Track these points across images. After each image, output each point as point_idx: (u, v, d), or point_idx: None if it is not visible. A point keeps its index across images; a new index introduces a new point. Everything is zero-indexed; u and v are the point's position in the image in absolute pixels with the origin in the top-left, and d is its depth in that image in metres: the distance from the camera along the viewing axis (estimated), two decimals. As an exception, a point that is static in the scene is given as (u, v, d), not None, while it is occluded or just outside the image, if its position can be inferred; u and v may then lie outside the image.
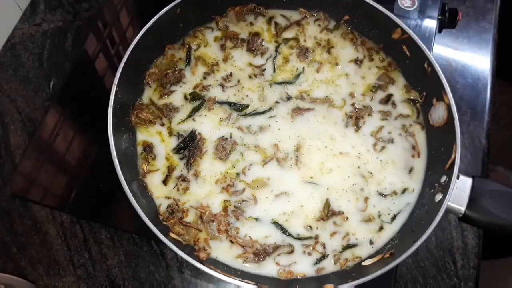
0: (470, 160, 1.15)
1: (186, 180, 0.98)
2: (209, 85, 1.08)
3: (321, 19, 1.15)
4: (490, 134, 1.19)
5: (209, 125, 1.04)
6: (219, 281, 1.02)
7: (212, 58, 1.11)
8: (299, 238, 0.94)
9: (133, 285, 1.03)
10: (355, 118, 1.05)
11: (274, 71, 1.11)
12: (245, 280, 0.85)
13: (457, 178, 0.87)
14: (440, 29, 1.24)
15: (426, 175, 0.99)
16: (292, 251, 0.93)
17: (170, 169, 0.99)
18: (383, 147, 1.02)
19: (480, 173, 1.14)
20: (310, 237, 0.94)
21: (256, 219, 0.96)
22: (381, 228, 0.95)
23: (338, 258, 0.93)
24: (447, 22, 1.23)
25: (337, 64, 1.11)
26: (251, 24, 1.15)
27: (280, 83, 1.09)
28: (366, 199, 0.98)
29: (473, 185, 0.87)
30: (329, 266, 0.92)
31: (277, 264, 0.92)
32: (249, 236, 0.94)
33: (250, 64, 1.11)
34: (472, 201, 0.86)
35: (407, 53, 1.04)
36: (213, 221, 0.94)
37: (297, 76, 1.10)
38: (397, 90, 1.08)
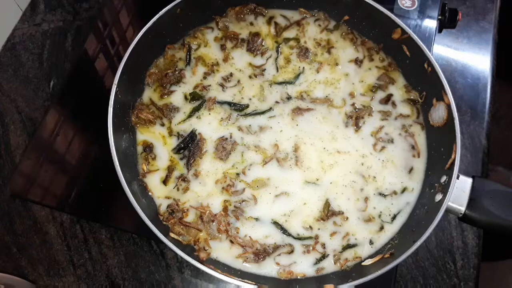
0: (470, 160, 1.15)
1: (186, 180, 0.98)
2: (209, 85, 1.08)
3: (321, 19, 1.15)
4: (490, 134, 1.19)
5: (209, 125, 1.04)
6: (219, 281, 1.02)
7: (212, 58, 1.11)
8: (299, 238, 0.94)
9: (133, 285, 1.03)
10: (355, 118, 1.05)
11: (277, 70, 1.11)
12: (245, 280, 0.85)
13: (457, 178, 0.87)
14: (440, 29, 1.24)
15: (426, 175, 0.99)
16: (292, 251, 0.93)
17: (170, 169, 0.99)
18: (383, 147, 1.02)
19: (480, 173, 1.14)
20: (310, 237, 0.94)
21: (256, 219, 0.96)
22: (381, 228, 0.95)
23: (338, 258, 0.93)
24: (447, 22, 1.23)
25: (337, 64, 1.11)
26: (251, 24, 1.15)
27: (280, 83, 1.09)
28: (366, 199, 0.98)
29: (473, 185, 0.87)
30: (329, 266, 0.92)
31: (277, 264, 0.92)
32: (249, 236, 0.94)
33: (250, 64, 1.11)
34: (472, 201, 0.86)
35: (407, 53, 1.04)
36: (213, 221, 0.94)
37: (297, 76, 1.10)
38: (397, 90, 1.08)
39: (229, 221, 0.95)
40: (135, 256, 1.05)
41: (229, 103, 1.06)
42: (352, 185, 0.99)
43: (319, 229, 0.95)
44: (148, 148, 1.01)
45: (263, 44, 1.13)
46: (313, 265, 0.92)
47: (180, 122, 1.04)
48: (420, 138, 1.03)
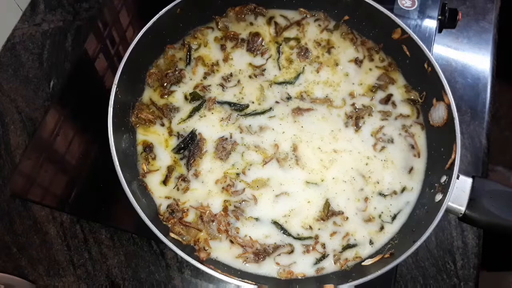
0: (470, 160, 1.15)
1: (186, 180, 0.98)
2: (209, 85, 1.08)
3: (321, 19, 1.15)
4: (490, 134, 1.19)
5: (209, 125, 1.04)
6: (219, 281, 1.02)
7: (212, 58, 1.11)
8: (299, 238, 0.94)
9: (133, 285, 1.03)
10: (355, 118, 1.05)
11: (280, 69, 1.11)
12: (245, 280, 0.85)
13: (457, 178, 0.87)
14: (440, 29, 1.24)
15: (426, 175, 0.99)
16: (292, 251, 0.93)
17: (170, 169, 0.99)
18: (383, 147, 1.02)
19: (480, 173, 1.14)
20: (310, 237, 0.94)
21: (256, 219, 0.96)
22: (381, 228, 0.95)
23: (338, 258, 0.93)
24: (447, 22, 1.23)
25: (337, 64, 1.11)
26: (251, 24, 1.15)
27: (280, 83, 1.09)
28: (366, 199, 0.98)
29: (473, 185, 0.87)
30: (329, 266, 0.92)
31: (277, 264, 0.92)
32: (249, 236, 0.94)
33: (250, 64, 1.11)
34: (472, 201, 0.86)
35: (407, 53, 1.04)
36: (213, 221, 0.94)
37: (297, 76, 1.10)
38: (397, 90, 1.08)
39: (229, 221, 0.95)
40: (135, 256, 1.05)
41: (229, 103, 1.06)
42: (352, 185, 0.99)
43: (319, 229, 0.95)
44: (148, 148, 1.01)
45: (263, 44, 1.13)
46: (313, 265, 0.92)
47: (180, 122, 1.04)
48: (420, 138, 1.03)
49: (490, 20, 1.34)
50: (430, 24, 1.22)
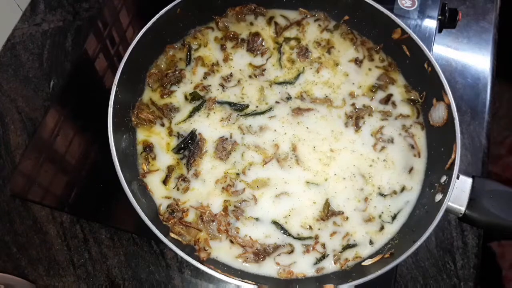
0: (470, 160, 1.15)
1: (186, 180, 0.98)
2: (209, 85, 1.08)
3: (321, 19, 1.15)
4: (490, 134, 1.19)
5: (210, 125, 1.04)
6: (219, 281, 1.02)
7: (212, 58, 1.11)
8: (299, 238, 0.94)
9: (133, 285, 1.03)
10: (355, 118, 1.05)
11: (282, 68, 1.11)
12: (245, 280, 0.85)
13: (457, 178, 0.87)
14: (440, 29, 1.24)
15: (426, 175, 0.99)
16: (292, 251, 0.93)
17: (170, 169, 0.99)
18: (383, 147, 1.02)
19: (480, 173, 1.14)
20: (310, 237, 0.94)
21: (256, 219, 0.96)
22: (381, 228, 0.95)
23: (338, 258, 0.93)
24: (447, 22, 1.23)
25: (337, 64, 1.11)
26: (251, 24, 1.15)
27: (280, 83, 1.09)
28: (366, 199, 0.98)
29: (473, 185, 0.87)
30: (329, 266, 0.92)
31: (277, 264, 0.92)
32: (249, 236, 0.94)
33: (250, 64, 1.11)
34: (472, 201, 0.86)
35: (407, 53, 1.04)
36: (213, 221, 0.94)
37: (297, 76, 1.10)
38: (397, 90, 1.08)
39: (229, 221, 0.95)
40: (135, 256, 1.05)
41: (229, 103, 1.06)
42: (352, 185, 0.99)
43: (319, 229, 0.95)
44: (148, 148, 1.01)
45: (263, 44, 1.13)
46: (313, 265, 0.92)
47: (180, 122, 1.04)
48: (420, 138, 1.03)
49: (490, 20, 1.33)
50: (430, 24, 1.22)
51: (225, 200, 0.97)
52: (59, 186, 1.11)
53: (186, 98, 1.07)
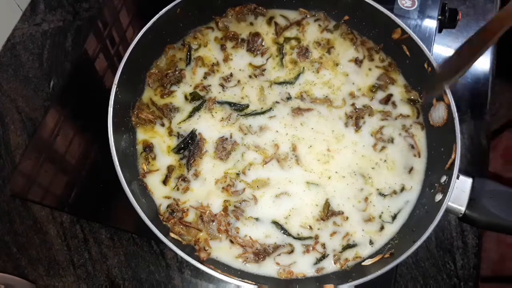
0: (470, 160, 1.15)
1: (186, 180, 0.98)
2: (209, 85, 1.08)
3: (321, 19, 1.15)
4: (490, 134, 1.19)
5: (210, 125, 1.04)
6: (219, 281, 1.02)
7: (212, 58, 1.11)
8: (299, 238, 0.94)
9: (133, 285, 1.03)
10: (355, 118, 1.05)
11: (284, 68, 1.11)
12: (245, 280, 0.85)
13: (457, 178, 0.87)
14: (440, 29, 1.24)
15: (426, 175, 0.99)
16: (292, 251, 0.93)
17: (170, 169, 0.99)
18: (383, 147, 1.02)
19: (480, 173, 1.14)
20: (310, 237, 0.94)
21: (256, 219, 0.96)
22: (381, 228, 0.95)
23: (338, 258, 0.93)
24: (447, 22, 1.23)
25: (337, 64, 1.11)
26: (251, 24, 1.15)
27: (280, 83, 1.09)
28: (366, 199, 0.98)
29: (473, 185, 0.87)
30: (329, 266, 0.92)
31: (277, 264, 0.92)
32: (249, 236, 0.94)
33: (250, 64, 1.11)
34: (472, 201, 0.86)
35: (407, 53, 1.04)
36: (213, 221, 0.94)
37: (297, 76, 1.10)
38: (397, 90, 1.08)
39: (229, 221, 0.95)
40: (135, 256, 1.05)
41: (229, 103, 1.06)
42: (352, 185, 0.99)
43: (319, 229, 0.95)
44: (148, 148, 1.01)
45: (263, 44, 1.13)
46: (313, 265, 0.92)
47: (180, 122, 1.04)
48: (420, 139, 1.03)
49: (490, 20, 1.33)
50: (430, 24, 1.22)
51: (225, 200, 0.97)
52: (59, 186, 1.11)
53: (186, 98, 1.07)
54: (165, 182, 0.98)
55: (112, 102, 0.92)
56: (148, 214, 0.85)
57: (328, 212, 0.96)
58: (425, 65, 0.99)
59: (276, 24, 1.15)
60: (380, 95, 1.08)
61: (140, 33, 0.99)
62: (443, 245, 1.06)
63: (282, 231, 0.95)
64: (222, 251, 0.93)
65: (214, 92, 1.08)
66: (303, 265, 0.92)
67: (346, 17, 1.13)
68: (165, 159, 1.00)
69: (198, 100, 1.06)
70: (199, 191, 0.98)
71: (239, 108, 1.06)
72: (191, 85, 1.08)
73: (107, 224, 1.07)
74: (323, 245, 0.94)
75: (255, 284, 0.85)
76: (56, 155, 1.15)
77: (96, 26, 1.31)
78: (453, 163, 0.89)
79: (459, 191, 0.86)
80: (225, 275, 0.83)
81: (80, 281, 1.03)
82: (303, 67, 1.11)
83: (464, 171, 0.88)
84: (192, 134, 1.03)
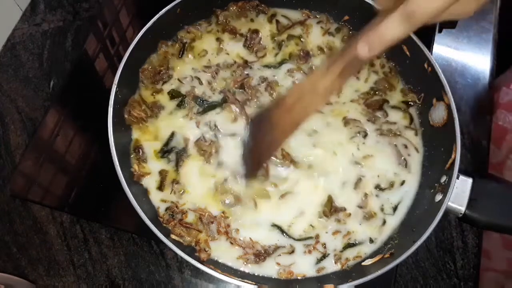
0: (470, 160, 1.15)
1: (180, 183, 0.97)
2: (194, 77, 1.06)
3: (323, 21, 1.15)
4: (490, 134, 1.19)
5: (188, 124, 1.03)
6: (219, 281, 1.02)
7: (205, 48, 1.10)
8: (299, 239, 0.94)
9: (133, 285, 1.03)
10: (349, 121, 1.04)
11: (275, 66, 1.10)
12: (245, 280, 0.85)
13: (457, 178, 0.87)
14: (440, 29, 1.24)
15: (423, 168, 1.00)
16: (292, 251, 0.93)
17: (163, 174, 0.98)
18: (377, 142, 1.02)
19: (480, 173, 1.14)
20: (311, 237, 0.94)
21: (256, 223, 0.95)
22: (383, 223, 0.95)
23: (339, 258, 0.92)
24: (447, 22, 1.23)
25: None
26: (252, 20, 1.15)
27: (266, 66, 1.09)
28: (366, 195, 0.97)
29: (473, 185, 0.87)
30: (330, 266, 0.92)
31: (278, 264, 0.92)
32: (250, 238, 0.94)
33: (242, 58, 1.10)
34: (472, 201, 0.85)
35: (407, 53, 1.04)
36: (212, 222, 0.94)
37: (281, 62, 1.10)
38: (395, 96, 1.07)
39: (229, 223, 0.94)
40: (135, 256, 1.05)
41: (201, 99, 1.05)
42: (350, 181, 0.98)
43: (321, 227, 0.95)
44: (138, 149, 0.99)
45: (260, 42, 1.12)
46: (314, 264, 0.92)
47: (163, 121, 1.03)
48: (415, 138, 1.03)
49: (490, 20, 1.33)
50: (430, 24, 1.21)
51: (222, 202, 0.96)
52: (59, 186, 1.11)
53: (169, 96, 1.06)
54: (160, 187, 0.97)
55: (112, 102, 0.92)
56: (148, 214, 0.84)
57: (331, 208, 0.95)
58: (425, 65, 0.99)
59: (277, 22, 1.14)
60: (377, 99, 1.06)
61: (140, 33, 0.99)
62: (443, 245, 1.06)
63: (283, 234, 0.94)
64: (223, 252, 0.92)
65: (196, 85, 1.06)
66: (304, 265, 0.92)
67: (346, 17, 1.13)
68: (155, 163, 0.99)
69: (179, 97, 1.05)
70: (194, 194, 0.97)
71: (200, 103, 1.04)
72: (176, 80, 1.07)
73: (107, 224, 1.07)
74: (324, 245, 0.94)
75: (255, 284, 0.85)
76: (56, 155, 1.15)
77: (96, 26, 1.31)
78: (453, 163, 0.89)
79: (459, 191, 0.86)
80: (225, 275, 0.83)
81: (80, 281, 1.03)
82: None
83: (464, 171, 0.88)
84: (172, 136, 1.01)
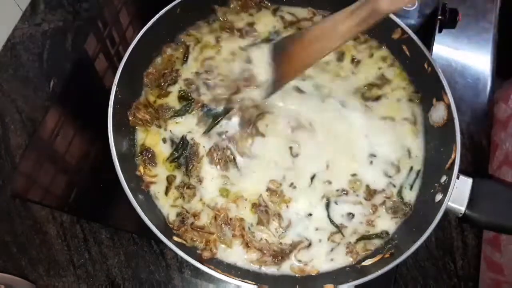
0: (470, 160, 1.15)
1: (191, 187, 0.96)
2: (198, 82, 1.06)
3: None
4: (490, 134, 1.19)
5: (198, 129, 1.02)
6: (219, 281, 1.02)
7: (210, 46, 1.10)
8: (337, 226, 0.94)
9: (133, 285, 1.03)
10: None
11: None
12: (245, 280, 0.85)
13: (457, 178, 0.87)
14: (440, 29, 1.24)
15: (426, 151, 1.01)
16: (309, 245, 0.92)
17: (170, 180, 0.97)
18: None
19: (480, 173, 1.14)
20: (337, 227, 0.94)
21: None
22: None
23: (351, 250, 0.92)
24: (447, 22, 1.23)
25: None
26: (251, 15, 1.14)
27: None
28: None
29: (473, 185, 0.87)
30: (341, 258, 0.92)
31: (299, 261, 0.91)
32: (265, 239, 0.93)
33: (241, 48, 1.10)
34: (472, 201, 0.85)
35: (407, 53, 1.04)
36: (227, 224, 0.92)
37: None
38: (393, 91, 1.07)
39: (245, 225, 0.93)
40: (135, 256, 1.05)
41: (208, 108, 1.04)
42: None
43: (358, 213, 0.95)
44: (147, 151, 0.99)
45: (254, 33, 1.11)
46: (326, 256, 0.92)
47: (172, 124, 1.02)
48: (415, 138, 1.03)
49: (490, 20, 1.33)
50: (430, 24, 1.22)
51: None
52: (59, 186, 1.11)
53: (178, 98, 1.05)
54: (167, 192, 0.96)
55: (112, 102, 0.92)
56: (156, 224, 0.84)
57: (370, 191, 0.96)
58: (425, 65, 0.99)
59: (282, 18, 1.14)
60: (374, 93, 1.07)
61: (140, 33, 0.98)
62: (443, 245, 1.06)
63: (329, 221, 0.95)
64: (233, 254, 0.92)
65: (202, 90, 1.06)
66: (320, 259, 0.92)
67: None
68: (162, 169, 0.99)
69: (187, 100, 1.05)
70: (208, 197, 0.96)
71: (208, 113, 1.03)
72: (183, 82, 1.06)
73: (107, 224, 1.07)
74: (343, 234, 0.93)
75: (255, 284, 0.85)
76: (56, 155, 1.15)
77: (96, 26, 1.31)
78: (453, 163, 0.89)
79: (459, 191, 0.86)
80: (225, 275, 0.83)
81: (80, 281, 1.03)
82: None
83: (464, 171, 0.88)
84: (184, 140, 1.01)
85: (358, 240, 0.94)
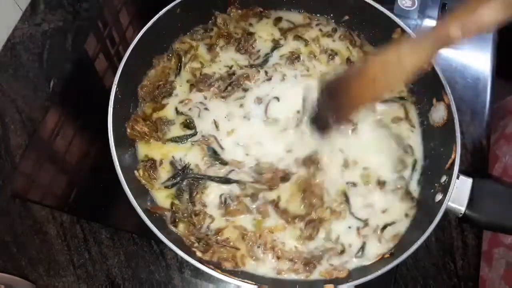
0: (470, 160, 1.15)
1: (198, 213, 0.93)
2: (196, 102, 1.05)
3: (323, 24, 1.15)
4: (490, 134, 1.19)
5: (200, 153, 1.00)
6: (219, 281, 1.02)
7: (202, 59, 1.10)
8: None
9: (133, 285, 1.03)
10: None
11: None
12: (245, 280, 0.85)
13: (457, 178, 0.87)
14: (440, 29, 1.24)
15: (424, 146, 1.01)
16: (343, 251, 0.91)
17: (176, 209, 0.94)
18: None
19: (480, 173, 1.14)
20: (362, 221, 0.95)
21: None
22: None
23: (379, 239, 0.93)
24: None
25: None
26: (250, 25, 1.14)
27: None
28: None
29: (473, 185, 0.87)
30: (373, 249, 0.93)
31: (331, 265, 0.90)
32: (295, 246, 0.91)
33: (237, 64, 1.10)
34: (472, 201, 0.85)
35: (407, 53, 1.04)
36: (256, 242, 0.90)
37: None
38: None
39: (274, 238, 0.92)
40: (135, 256, 1.05)
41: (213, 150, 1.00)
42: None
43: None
44: (150, 161, 0.97)
45: (253, 46, 1.11)
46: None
47: (169, 146, 1.00)
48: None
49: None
50: (430, 24, 1.22)
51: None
52: (59, 186, 1.11)
53: (177, 112, 1.04)
54: (175, 224, 0.93)
55: (112, 102, 0.92)
56: (147, 212, 0.84)
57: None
58: (425, 65, 0.98)
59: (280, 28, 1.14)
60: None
61: (140, 33, 0.98)
62: (443, 245, 1.06)
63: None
64: (264, 267, 0.90)
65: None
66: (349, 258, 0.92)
67: (347, 17, 1.13)
68: (163, 193, 0.97)
69: (190, 129, 1.02)
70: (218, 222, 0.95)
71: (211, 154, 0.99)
72: (182, 97, 1.05)
73: (107, 224, 1.07)
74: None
75: (255, 284, 0.84)
76: (56, 155, 1.15)
77: (96, 26, 1.31)
78: (453, 163, 0.89)
79: (459, 191, 0.86)
80: (225, 275, 0.83)
81: (80, 281, 1.03)
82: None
83: (464, 171, 0.88)
84: (185, 169, 0.98)
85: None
